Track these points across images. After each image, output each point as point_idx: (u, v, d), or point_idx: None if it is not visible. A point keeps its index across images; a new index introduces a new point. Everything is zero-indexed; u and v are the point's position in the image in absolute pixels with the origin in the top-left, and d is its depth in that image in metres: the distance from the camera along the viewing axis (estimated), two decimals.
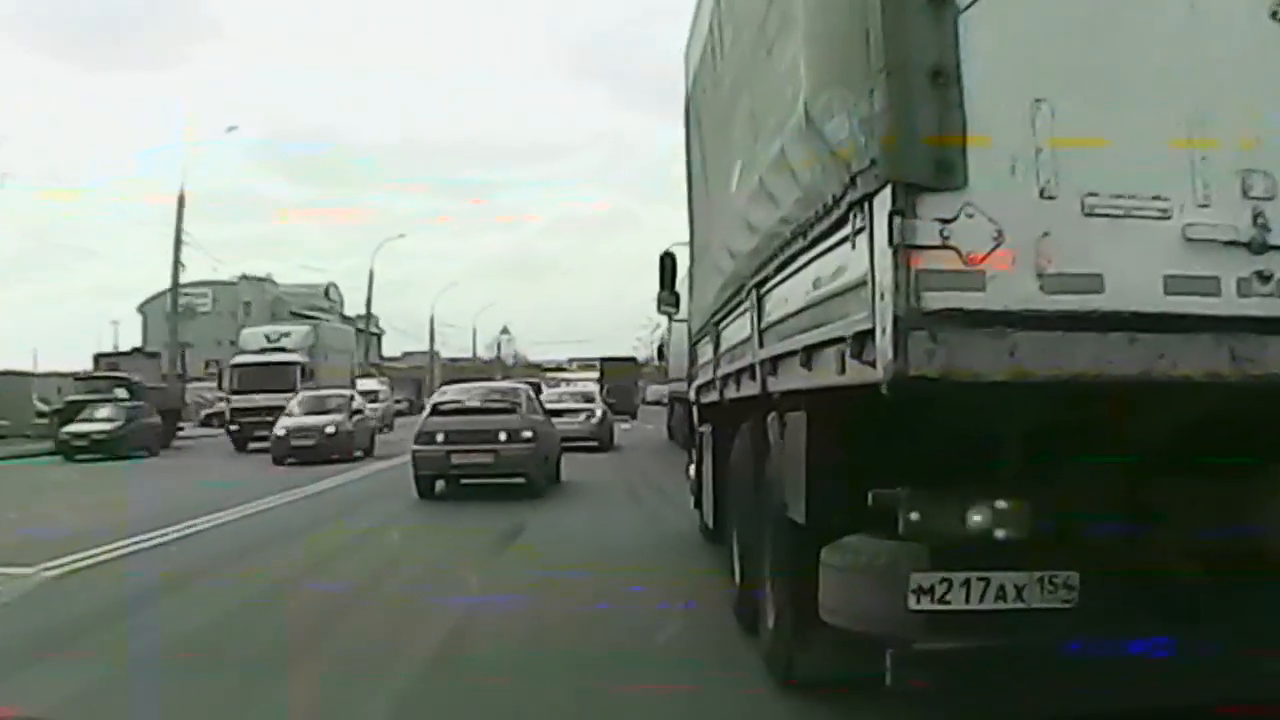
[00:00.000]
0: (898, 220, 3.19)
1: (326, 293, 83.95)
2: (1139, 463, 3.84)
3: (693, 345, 10.45)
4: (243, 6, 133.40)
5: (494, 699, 5.31)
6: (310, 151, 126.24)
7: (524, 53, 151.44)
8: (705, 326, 8.65)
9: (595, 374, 47.22)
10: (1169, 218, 3.28)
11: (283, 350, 32.78)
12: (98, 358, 27.05)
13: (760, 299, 5.46)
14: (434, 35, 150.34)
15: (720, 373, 7.60)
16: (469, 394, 17.78)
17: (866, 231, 3.39)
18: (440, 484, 15.75)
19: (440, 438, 15.45)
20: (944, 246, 3.21)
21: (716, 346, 7.79)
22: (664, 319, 15.52)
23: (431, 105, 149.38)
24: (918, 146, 3.20)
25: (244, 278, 72.95)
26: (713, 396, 8.33)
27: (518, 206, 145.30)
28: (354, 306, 63.26)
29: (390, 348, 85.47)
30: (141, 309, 68.05)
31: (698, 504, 10.59)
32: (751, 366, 5.73)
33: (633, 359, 53.76)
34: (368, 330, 66.39)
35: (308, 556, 10.64)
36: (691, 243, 10.45)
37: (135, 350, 41.78)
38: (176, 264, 36.26)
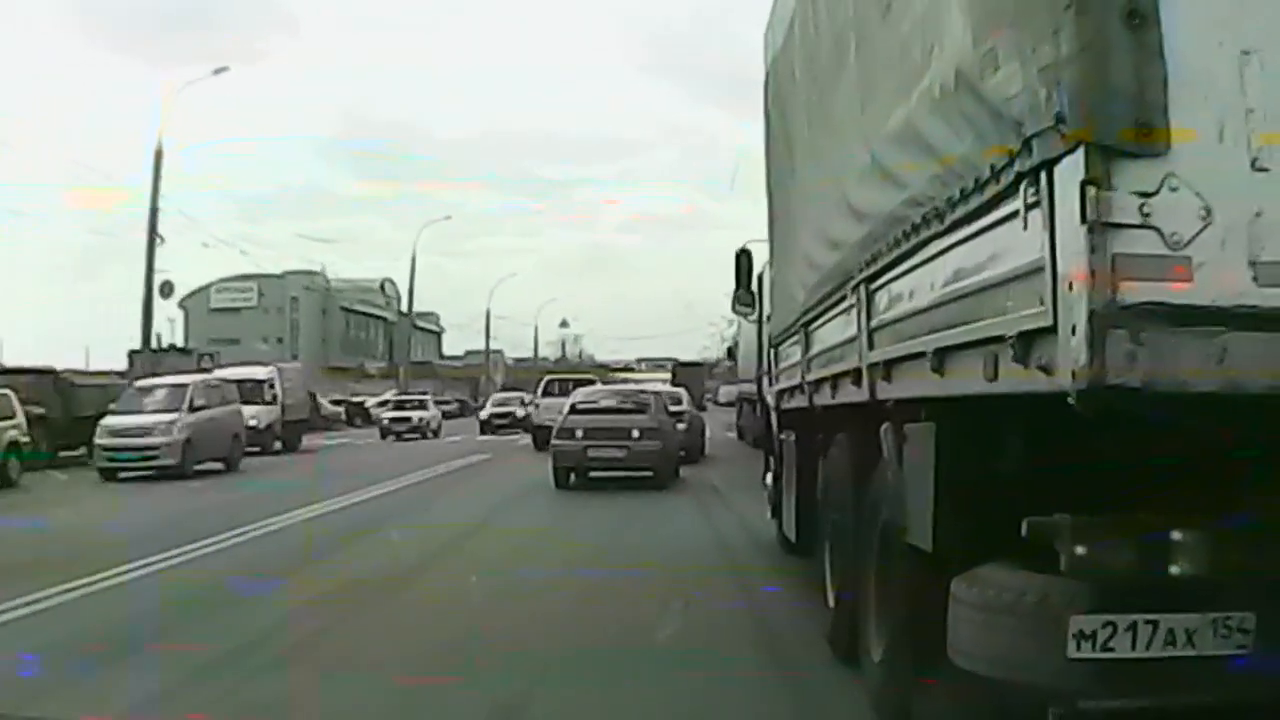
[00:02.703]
0: (1091, 192, 2.59)
1: (383, 287, 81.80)
2: None
3: (773, 347, 9.84)
4: (318, 2, 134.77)
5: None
6: (381, 149, 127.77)
7: (599, 49, 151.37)
8: (791, 327, 7.94)
9: (665, 375, 49.44)
10: None
11: None
12: (132, 355, 25.87)
13: (870, 295, 4.88)
14: (508, 32, 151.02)
15: (811, 377, 6.99)
16: (604, 395, 19.99)
17: (1044, 207, 2.79)
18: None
19: (579, 434, 17.32)
20: (1144, 226, 2.61)
21: (806, 349, 7.17)
22: (735, 318, 15.18)
23: (504, 102, 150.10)
24: (1115, 101, 2.61)
25: (291, 271, 69.80)
26: (799, 402, 7.74)
27: (590, 204, 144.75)
28: (419, 303, 62.17)
29: (452, 347, 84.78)
30: (182, 304, 62.27)
31: (775, 513, 10.08)
32: (856, 370, 5.16)
33: (700, 363, 60.81)
34: (412, 322, 63.27)
35: None
36: (771, 238, 9.84)
37: (171, 347, 38.70)
38: (152, 237, 30.19)
